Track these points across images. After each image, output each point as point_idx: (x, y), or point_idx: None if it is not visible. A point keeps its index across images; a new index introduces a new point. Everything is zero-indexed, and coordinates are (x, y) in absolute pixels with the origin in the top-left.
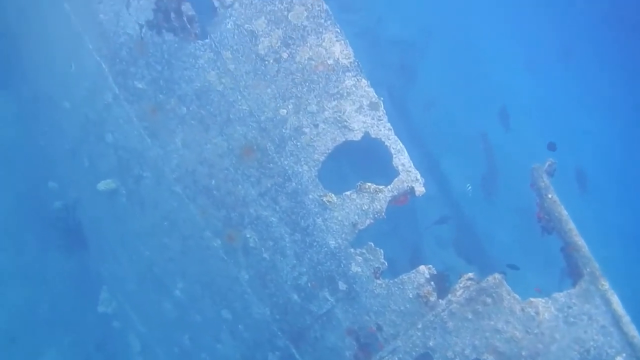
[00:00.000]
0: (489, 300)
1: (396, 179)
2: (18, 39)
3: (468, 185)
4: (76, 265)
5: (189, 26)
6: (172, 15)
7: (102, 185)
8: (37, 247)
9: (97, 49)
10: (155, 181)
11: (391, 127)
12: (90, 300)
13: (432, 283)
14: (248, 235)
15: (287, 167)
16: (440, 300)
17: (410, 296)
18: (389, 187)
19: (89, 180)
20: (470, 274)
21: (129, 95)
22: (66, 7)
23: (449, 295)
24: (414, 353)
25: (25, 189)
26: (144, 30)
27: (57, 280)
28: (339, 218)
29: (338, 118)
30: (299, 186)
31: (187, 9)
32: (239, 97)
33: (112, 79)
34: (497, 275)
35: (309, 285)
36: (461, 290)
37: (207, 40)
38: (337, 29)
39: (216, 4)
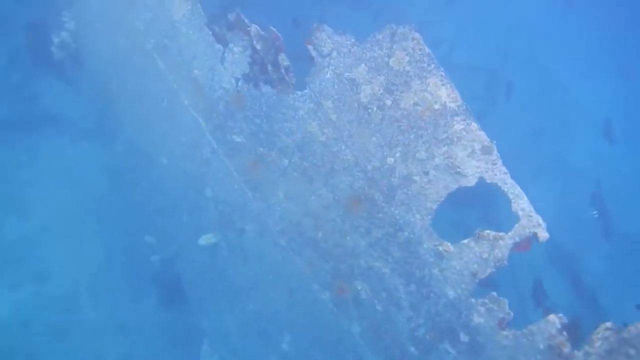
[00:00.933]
0: (632, 352)
1: (517, 224)
2: (113, 95)
3: (594, 212)
4: (175, 318)
5: (287, 78)
6: (269, 67)
7: (203, 240)
8: (134, 300)
9: (193, 105)
10: (259, 234)
11: (507, 171)
12: (190, 355)
13: (565, 333)
14: (359, 287)
15: (398, 217)
16: (576, 351)
17: (542, 347)
18: (509, 233)
19: (189, 234)
20: (608, 324)
21: (228, 150)
22: (160, 65)
23: (586, 347)
24: None
25: (120, 242)
26: (240, 83)
27: (155, 334)
28: (457, 267)
29: (449, 164)
30: (412, 235)
31: (283, 59)
32: (343, 147)
33: (210, 133)
34: (639, 325)
35: (427, 337)
36: (599, 342)
37: (306, 91)
38: (441, 73)
39: (313, 53)
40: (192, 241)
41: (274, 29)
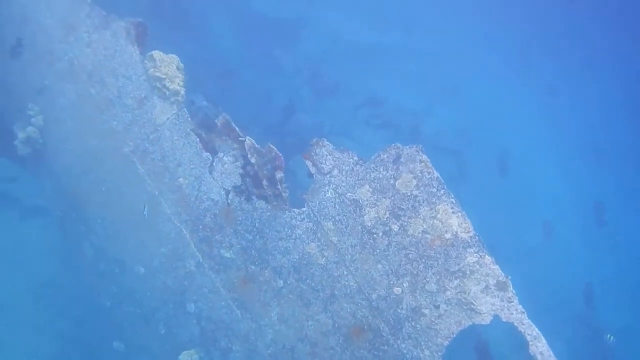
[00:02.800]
0: None
1: None
2: (82, 197)
3: (610, 336)
4: None
5: (284, 194)
6: (265, 182)
7: (185, 357)
8: None
9: (176, 214)
10: (246, 356)
11: (524, 310)
12: None
13: None
14: None
15: (404, 351)
16: None
17: None
18: None
19: (165, 347)
20: None
21: (214, 264)
22: (140, 170)
23: None
24: None
25: (77, 335)
26: (230, 196)
27: None
28: None
29: (462, 299)
30: None
31: (279, 174)
32: (345, 272)
33: (195, 246)
34: None
35: None
36: None
37: (304, 209)
38: (452, 199)
39: (312, 170)
40: (169, 355)
41: (274, 147)
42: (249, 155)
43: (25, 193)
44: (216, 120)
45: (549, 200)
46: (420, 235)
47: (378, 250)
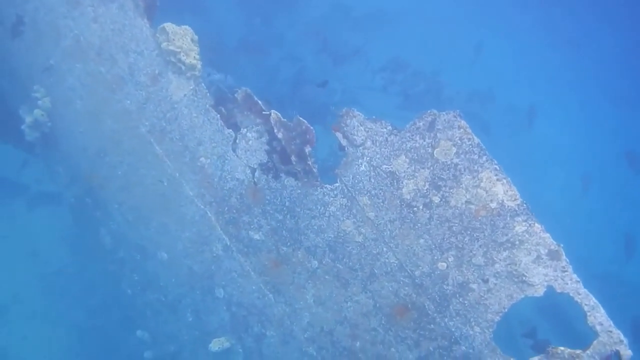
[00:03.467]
0: None
1: (595, 341)
2: (97, 181)
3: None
4: None
5: (314, 170)
6: (293, 158)
7: (216, 345)
8: None
9: (199, 196)
10: (282, 340)
11: (579, 279)
12: None
13: None
14: None
15: (453, 329)
16: None
17: None
18: (587, 351)
19: (193, 335)
20: None
21: (243, 247)
22: (157, 150)
23: None
24: None
25: (93, 324)
26: (256, 174)
27: None
28: None
29: (512, 271)
30: (471, 350)
31: (308, 149)
32: (385, 250)
33: (221, 228)
34: None
35: None
36: None
37: (337, 185)
38: (495, 166)
39: (343, 142)
40: (198, 343)
41: (304, 120)
42: (275, 130)
43: (33, 179)
44: (236, 95)
45: (579, 154)
46: (463, 206)
47: (419, 225)
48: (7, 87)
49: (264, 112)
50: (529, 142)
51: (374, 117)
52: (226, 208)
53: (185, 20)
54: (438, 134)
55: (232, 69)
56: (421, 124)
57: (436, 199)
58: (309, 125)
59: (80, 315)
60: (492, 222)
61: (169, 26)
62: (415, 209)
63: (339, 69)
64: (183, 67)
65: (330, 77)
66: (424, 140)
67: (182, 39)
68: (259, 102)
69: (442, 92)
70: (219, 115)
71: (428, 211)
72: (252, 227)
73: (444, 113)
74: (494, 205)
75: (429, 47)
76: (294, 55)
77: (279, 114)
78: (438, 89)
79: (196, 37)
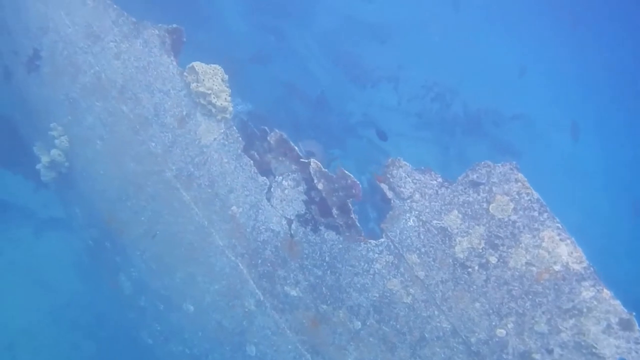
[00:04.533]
0: None
1: None
2: (117, 225)
3: None
4: None
5: (358, 224)
6: (335, 211)
7: None
8: None
9: (230, 247)
10: None
11: None
12: None
13: None
14: None
15: None
16: None
17: None
18: None
19: None
20: None
21: (278, 303)
22: (185, 197)
23: None
24: None
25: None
26: (293, 226)
27: None
28: None
29: (580, 341)
30: None
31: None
32: (436, 312)
33: (254, 282)
34: None
35: None
36: None
37: (383, 240)
38: (557, 224)
39: (389, 194)
40: None
41: (349, 174)
42: (315, 181)
43: (40, 204)
44: (268, 138)
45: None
46: (523, 267)
47: (475, 287)
48: (20, 119)
49: (301, 160)
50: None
51: (422, 167)
52: (260, 261)
53: (197, 36)
54: (493, 188)
55: (247, 88)
56: (475, 176)
57: (493, 259)
58: (354, 180)
59: (93, 352)
60: (556, 287)
61: (198, 65)
62: (470, 269)
63: (362, 91)
64: (214, 110)
65: (351, 98)
66: (478, 195)
67: (212, 79)
68: (296, 148)
69: (472, 117)
70: (252, 161)
71: (484, 272)
72: (288, 282)
73: (499, 165)
74: (557, 267)
75: (458, 66)
76: (309, 72)
77: (319, 163)
78: (469, 113)
79: (226, 77)
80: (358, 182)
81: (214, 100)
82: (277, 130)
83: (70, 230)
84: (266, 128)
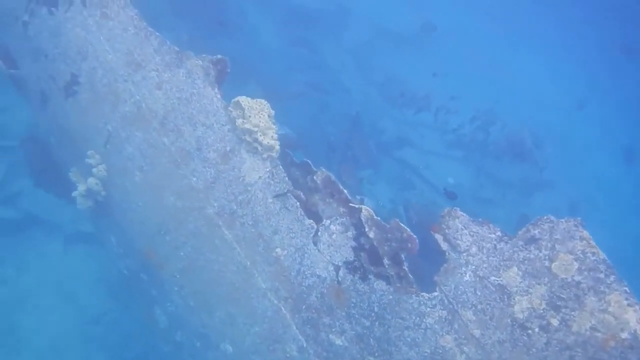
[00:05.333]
0: None
1: None
2: (155, 260)
3: None
4: None
5: (410, 276)
6: (386, 260)
7: None
8: None
9: (273, 290)
10: None
11: None
12: None
13: None
14: None
15: None
16: None
17: None
18: None
19: None
20: None
21: (322, 351)
22: (227, 235)
23: None
24: None
25: None
26: (341, 273)
27: None
28: None
29: None
30: None
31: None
32: None
33: (297, 328)
34: None
35: None
36: None
37: (436, 294)
38: (624, 288)
39: (444, 246)
40: None
41: (405, 227)
42: (366, 229)
43: (68, 219)
44: (315, 177)
45: None
46: (588, 332)
47: (534, 350)
48: (55, 143)
49: (351, 205)
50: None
51: (480, 218)
52: (304, 306)
53: (227, 49)
54: (556, 245)
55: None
56: (536, 231)
57: (555, 322)
58: (411, 234)
59: None
60: (623, 356)
61: (244, 100)
62: (529, 331)
63: (395, 106)
64: (260, 148)
65: (384, 114)
66: (540, 252)
67: (258, 115)
68: (345, 191)
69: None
70: (298, 203)
71: (545, 335)
72: (333, 330)
73: (563, 221)
74: (625, 335)
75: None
76: (342, 87)
77: (370, 210)
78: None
79: (273, 112)
80: (415, 237)
81: (260, 138)
82: (323, 169)
83: (100, 245)
84: (309, 162)
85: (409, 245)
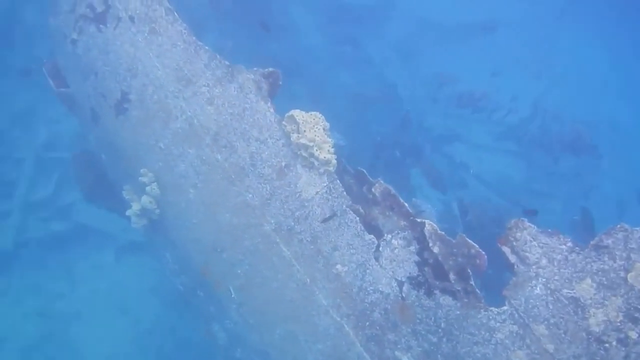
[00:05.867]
0: None
1: None
2: (211, 278)
3: None
4: None
5: (478, 291)
6: (452, 276)
7: None
8: None
9: (335, 307)
10: None
11: None
12: None
13: None
14: None
15: None
16: None
17: None
18: None
19: None
20: None
21: None
22: (285, 252)
23: None
24: None
25: None
26: (405, 288)
27: None
28: None
29: None
30: None
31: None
32: None
33: (362, 345)
34: None
35: None
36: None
37: (506, 308)
38: None
39: (512, 259)
40: None
41: (473, 243)
42: (430, 244)
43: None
44: (373, 189)
45: None
46: None
47: None
48: (106, 160)
49: (412, 218)
50: None
51: (548, 229)
52: (367, 323)
53: (271, 51)
54: (632, 255)
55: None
56: (610, 241)
57: (633, 334)
58: (479, 250)
59: None
60: None
61: (298, 114)
62: (606, 344)
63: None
64: (316, 163)
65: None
66: (615, 262)
67: (313, 129)
68: (405, 204)
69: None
70: (357, 218)
71: (623, 349)
72: (399, 347)
73: (637, 229)
74: None
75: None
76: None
77: (434, 224)
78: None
79: (328, 125)
80: (483, 253)
81: (316, 153)
82: (381, 181)
83: (151, 255)
84: (363, 170)
85: (477, 261)
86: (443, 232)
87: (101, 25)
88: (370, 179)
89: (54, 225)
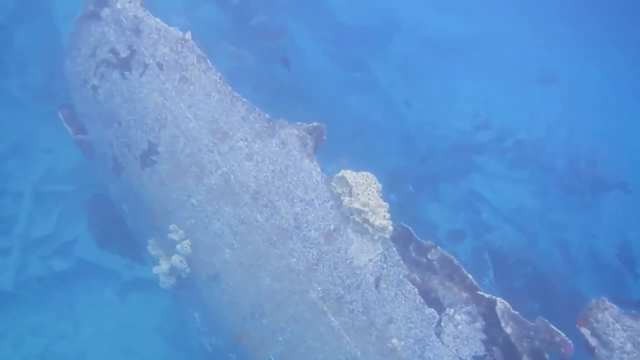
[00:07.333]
0: None
1: None
2: (253, 342)
3: None
4: None
5: None
6: (525, 358)
7: None
8: None
9: None
10: None
11: None
12: None
13: None
14: None
15: None
16: None
17: None
18: None
19: None
20: None
21: None
22: (333, 322)
23: None
24: None
25: None
26: None
27: None
28: None
29: None
30: None
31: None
32: None
33: None
34: None
35: None
36: None
37: None
38: None
39: (592, 342)
40: None
41: (556, 329)
42: (502, 324)
43: (122, 265)
44: (429, 255)
45: None
46: None
47: None
48: (128, 211)
49: (478, 292)
50: None
51: (633, 311)
52: None
53: (279, 75)
54: None
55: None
56: None
57: None
58: (565, 338)
59: None
60: None
61: (349, 175)
62: None
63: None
64: (371, 230)
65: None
66: None
67: (366, 192)
68: (466, 272)
69: None
70: (416, 290)
71: None
72: None
73: None
74: None
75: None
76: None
77: (506, 302)
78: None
79: (380, 185)
80: (570, 342)
81: (371, 219)
82: (431, 242)
83: (155, 291)
84: (409, 228)
85: (562, 350)
86: (517, 312)
87: (126, 72)
88: (418, 238)
89: (56, 263)
